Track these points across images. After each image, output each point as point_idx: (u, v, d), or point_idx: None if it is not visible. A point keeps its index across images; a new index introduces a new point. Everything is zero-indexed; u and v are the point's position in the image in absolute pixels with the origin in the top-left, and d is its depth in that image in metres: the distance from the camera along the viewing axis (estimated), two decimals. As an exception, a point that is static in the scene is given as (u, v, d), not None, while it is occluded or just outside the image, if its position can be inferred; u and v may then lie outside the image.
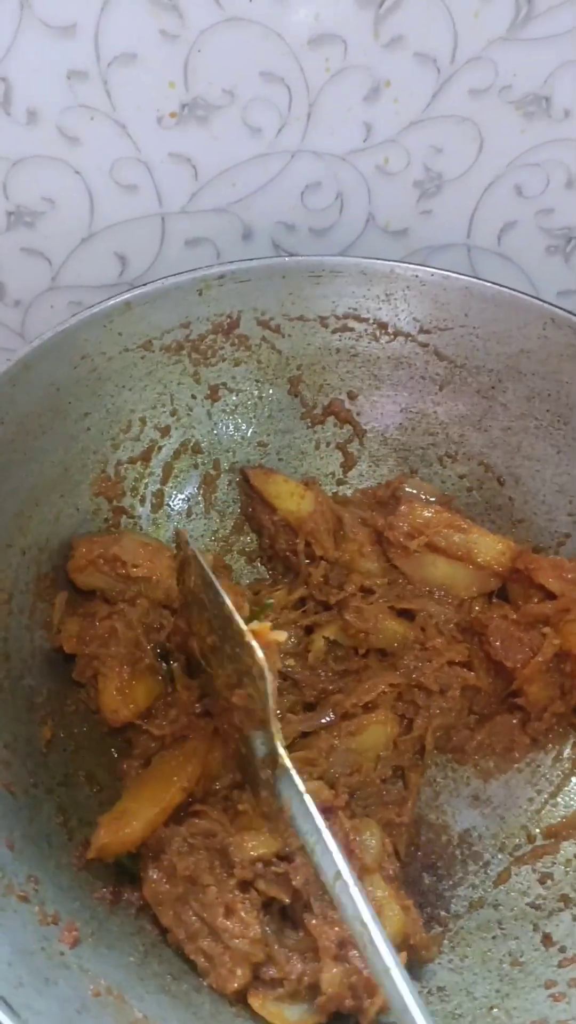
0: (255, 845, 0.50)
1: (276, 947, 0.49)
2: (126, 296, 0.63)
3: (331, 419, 0.73)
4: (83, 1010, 0.44)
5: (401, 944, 0.52)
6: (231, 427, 0.71)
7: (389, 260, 0.68)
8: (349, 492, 0.73)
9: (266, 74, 0.65)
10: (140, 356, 0.65)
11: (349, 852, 0.51)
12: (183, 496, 0.70)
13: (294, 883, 0.49)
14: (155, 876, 0.51)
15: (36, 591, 0.60)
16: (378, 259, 0.68)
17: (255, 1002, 0.49)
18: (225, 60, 0.64)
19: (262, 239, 0.74)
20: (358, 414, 0.72)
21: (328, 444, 0.73)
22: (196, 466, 0.70)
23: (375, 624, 0.65)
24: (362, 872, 0.52)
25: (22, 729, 0.56)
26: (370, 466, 0.73)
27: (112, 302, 0.62)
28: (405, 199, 0.74)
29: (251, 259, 0.66)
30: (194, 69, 0.64)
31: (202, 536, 0.71)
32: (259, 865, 0.50)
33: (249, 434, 0.71)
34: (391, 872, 0.54)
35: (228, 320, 0.67)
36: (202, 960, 0.50)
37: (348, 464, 0.73)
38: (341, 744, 0.59)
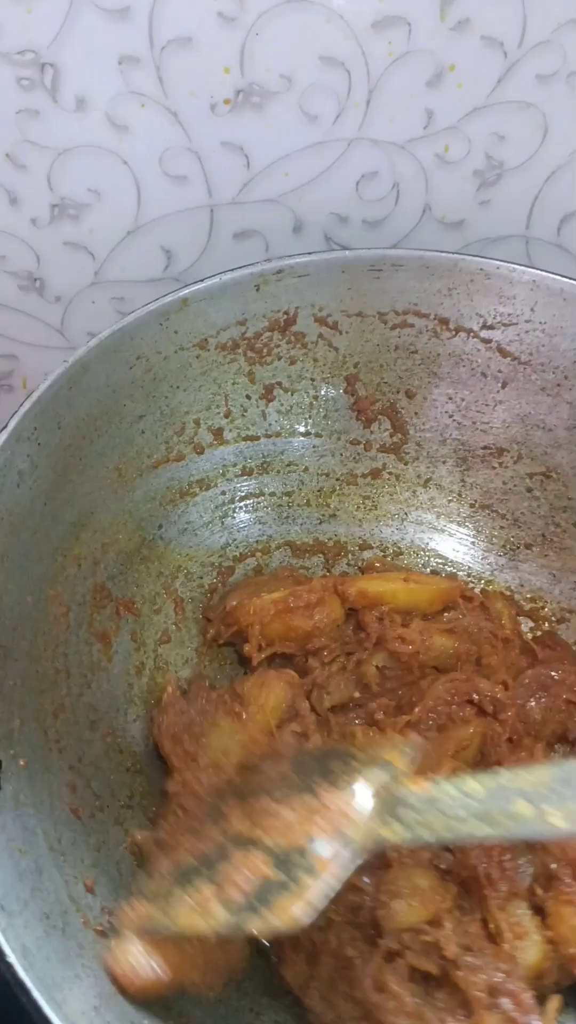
0: (406, 912, 0.47)
1: (428, 1013, 0.46)
2: (183, 293, 0.60)
3: (386, 419, 0.70)
4: None
5: None
6: (286, 428, 0.68)
7: (452, 253, 0.65)
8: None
9: (326, 58, 0.62)
10: (195, 355, 0.62)
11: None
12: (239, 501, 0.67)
13: (447, 953, 0.46)
14: (294, 957, 0.48)
15: (93, 603, 0.57)
16: (441, 252, 0.65)
17: None
18: (284, 44, 0.61)
19: (313, 231, 0.72)
20: (415, 414, 0.69)
21: (383, 445, 0.70)
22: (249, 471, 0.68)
23: (423, 642, 0.62)
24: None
25: (86, 749, 0.53)
26: (428, 466, 0.71)
27: (169, 299, 0.59)
28: (463, 189, 0.71)
29: (310, 253, 0.63)
30: (251, 53, 0.61)
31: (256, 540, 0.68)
32: (407, 935, 0.47)
33: (306, 434, 0.68)
34: None
35: (285, 317, 0.65)
36: None
37: (404, 464, 0.71)
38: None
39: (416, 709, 0.58)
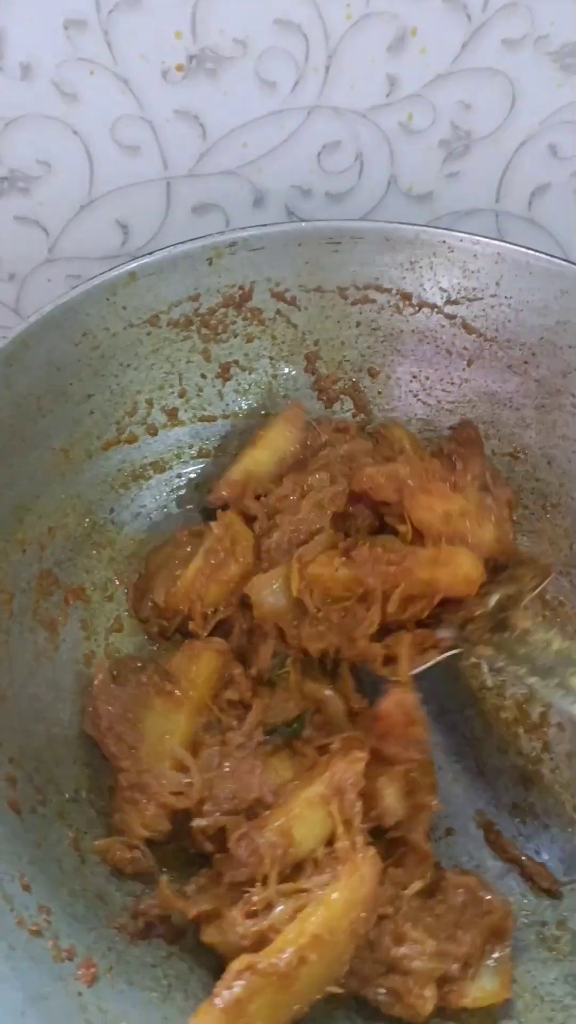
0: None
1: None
2: (130, 266, 0.57)
3: (349, 399, 0.68)
4: (103, 1058, 0.40)
5: None
6: (244, 407, 0.66)
7: (414, 224, 0.63)
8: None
9: (282, 22, 0.59)
10: (146, 332, 0.60)
11: None
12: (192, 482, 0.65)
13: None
14: None
15: (39, 589, 0.55)
16: (402, 223, 0.62)
17: (464, 1001, 0.48)
18: (237, 7, 0.58)
19: (275, 205, 0.69)
20: (379, 393, 0.67)
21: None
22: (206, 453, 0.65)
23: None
24: None
25: (28, 741, 0.51)
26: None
27: (115, 273, 0.57)
28: (430, 160, 0.68)
29: (264, 225, 0.61)
30: (203, 17, 0.59)
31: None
32: None
33: (262, 415, 0.66)
34: None
35: (240, 292, 0.62)
36: (383, 997, 0.48)
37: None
38: None
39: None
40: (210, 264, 0.60)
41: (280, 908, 0.46)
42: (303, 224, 0.62)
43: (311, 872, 0.47)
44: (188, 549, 0.61)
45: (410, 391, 0.68)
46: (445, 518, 0.57)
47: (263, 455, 0.61)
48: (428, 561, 0.55)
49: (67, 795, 0.52)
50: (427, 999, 0.48)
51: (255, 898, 0.46)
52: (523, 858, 0.57)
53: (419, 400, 0.68)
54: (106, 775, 0.54)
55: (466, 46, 0.62)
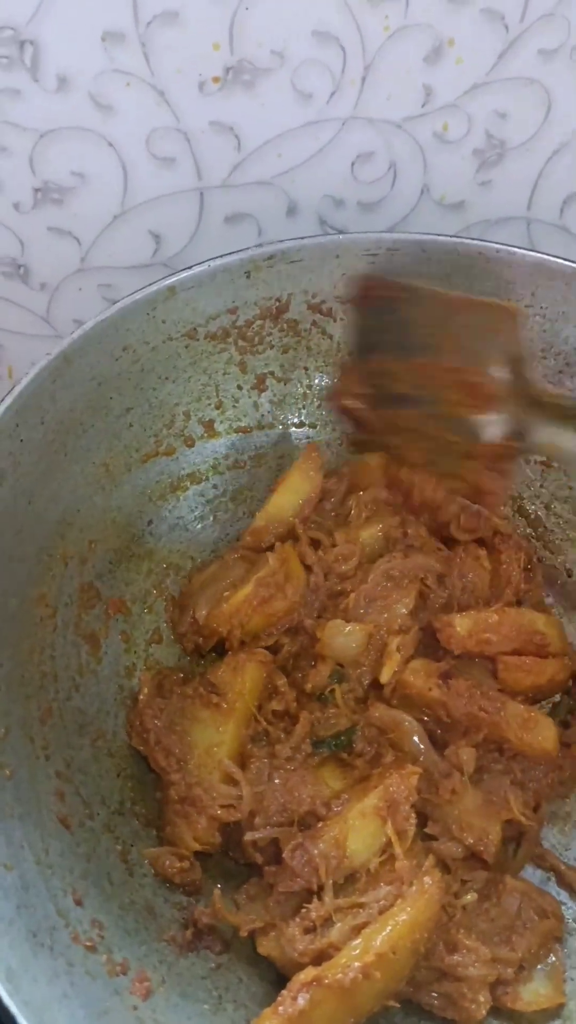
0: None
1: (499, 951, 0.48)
2: (170, 281, 0.58)
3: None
4: (162, 1072, 0.41)
5: None
6: (279, 418, 0.66)
7: (450, 236, 0.63)
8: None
9: (319, 34, 0.59)
10: (184, 345, 0.60)
11: None
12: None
13: None
14: None
15: (81, 603, 0.56)
16: (439, 236, 0.63)
17: (518, 1004, 0.49)
18: (275, 18, 0.58)
19: (308, 214, 0.69)
20: (415, 403, 0.67)
21: (383, 435, 0.68)
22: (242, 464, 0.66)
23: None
24: None
25: (74, 755, 0.52)
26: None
27: (155, 288, 0.57)
28: (463, 169, 0.68)
29: (302, 238, 0.61)
30: (241, 29, 0.59)
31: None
32: None
33: (300, 425, 0.66)
34: None
35: (277, 304, 0.63)
36: (437, 1001, 0.48)
37: (403, 456, 0.69)
38: None
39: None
40: (248, 277, 0.60)
41: (338, 924, 0.46)
42: (340, 236, 0.62)
43: (365, 885, 0.48)
44: (237, 572, 0.62)
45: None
46: (534, 688, 0.61)
47: (284, 499, 0.63)
48: (517, 721, 0.58)
49: (113, 808, 0.52)
50: (480, 1004, 0.48)
51: (313, 914, 0.47)
52: (562, 866, 0.58)
53: (453, 410, 0.68)
54: (151, 787, 0.54)
55: (502, 56, 0.62)
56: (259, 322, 0.63)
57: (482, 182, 0.69)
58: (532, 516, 0.68)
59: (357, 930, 0.46)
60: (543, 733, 0.58)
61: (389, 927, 0.46)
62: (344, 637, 0.60)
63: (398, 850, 0.49)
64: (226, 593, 0.60)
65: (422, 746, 0.57)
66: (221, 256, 0.59)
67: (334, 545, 0.64)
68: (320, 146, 0.65)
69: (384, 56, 0.61)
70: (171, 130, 0.63)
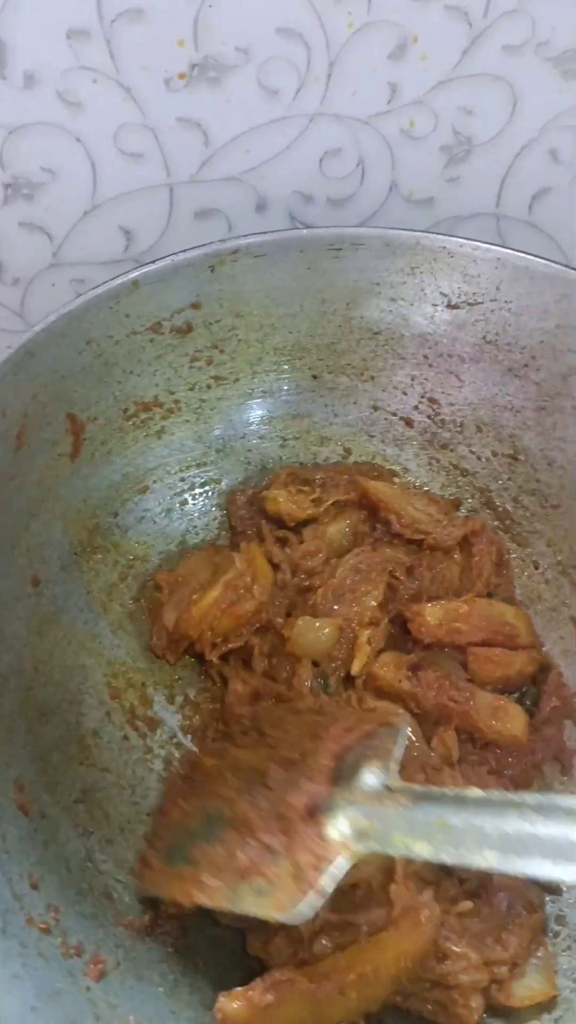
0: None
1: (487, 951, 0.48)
2: (133, 275, 0.58)
3: (352, 402, 0.68)
4: (112, 1053, 0.41)
5: None
6: (246, 412, 0.67)
7: (415, 231, 0.63)
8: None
9: (284, 30, 0.60)
10: (149, 339, 0.61)
11: None
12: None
13: None
14: None
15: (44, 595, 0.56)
16: (403, 229, 0.63)
17: (512, 1001, 0.49)
18: (239, 15, 0.59)
19: (277, 210, 0.70)
20: (382, 391, 0.68)
21: (350, 427, 0.69)
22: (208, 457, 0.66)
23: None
24: None
25: (36, 743, 0.52)
26: (395, 449, 0.69)
27: (119, 281, 0.58)
28: (431, 165, 0.69)
29: (266, 232, 0.62)
30: (206, 26, 0.59)
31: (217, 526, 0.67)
32: None
33: (264, 419, 0.67)
34: None
35: (243, 298, 0.63)
36: (429, 1007, 0.49)
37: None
38: None
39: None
40: (212, 271, 0.61)
41: (323, 940, 0.47)
42: (304, 231, 0.62)
43: (359, 902, 0.48)
44: (204, 575, 0.62)
45: (411, 393, 0.68)
46: (503, 680, 0.62)
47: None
48: (487, 710, 0.59)
49: (73, 796, 0.53)
50: (473, 1010, 0.48)
51: (301, 928, 0.48)
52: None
53: (423, 401, 0.68)
54: (109, 775, 0.55)
55: (467, 52, 0.63)
56: (225, 316, 0.63)
57: (450, 178, 0.70)
58: (500, 509, 0.68)
59: (342, 947, 0.47)
60: (513, 720, 0.59)
61: (377, 951, 0.46)
62: (314, 634, 0.60)
63: (399, 873, 0.49)
64: (194, 597, 0.61)
65: (413, 738, 0.58)
66: (185, 250, 0.60)
67: (301, 542, 0.64)
68: (288, 142, 0.66)
69: (349, 53, 0.61)
70: (139, 126, 0.64)
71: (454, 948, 0.49)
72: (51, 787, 0.52)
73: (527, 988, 0.50)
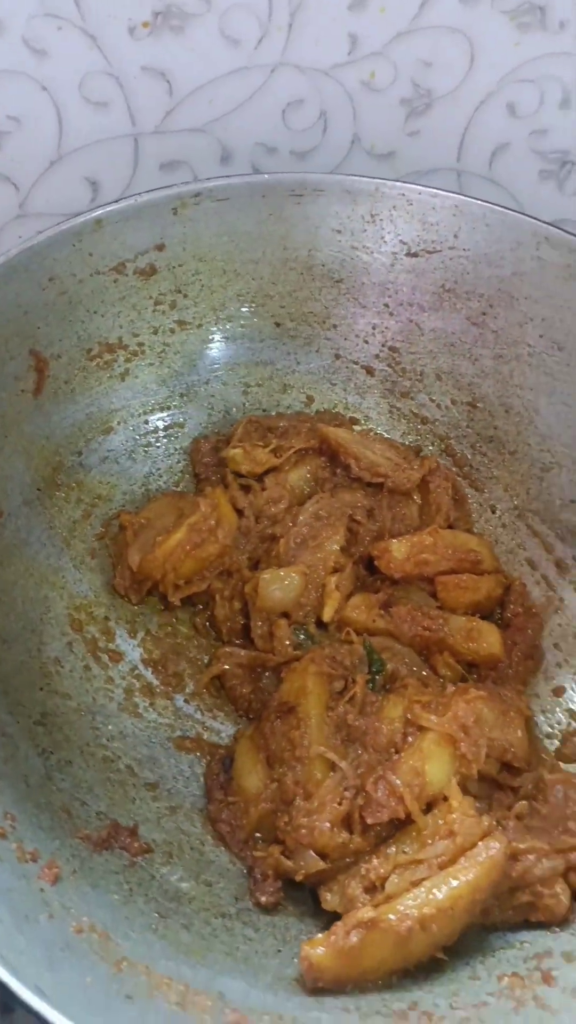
0: None
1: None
2: (96, 213, 0.59)
3: (314, 350, 0.70)
4: (66, 948, 0.42)
5: None
6: (210, 357, 0.68)
7: (374, 178, 0.65)
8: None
9: (244, -23, 0.61)
10: (112, 280, 0.62)
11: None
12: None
13: None
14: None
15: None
16: (363, 176, 0.65)
17: None
18: (200, -39, 0.60)
19: (241, 162, 0.71)
20: (341, 344, 0.69)
21: (312, 375, 0.70)
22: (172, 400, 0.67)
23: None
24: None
25: (-3, 667, 0.53)
26: (356, 397, 0.71)
27: (81, 219, 0.59)
28: (392, 118, 0.70)
29: (228, 176, 0.63)
30: (167, -28, 0.61)
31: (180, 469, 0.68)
32: None
33: (227, 366, 0.68)
34: None
35: (206, 242, 0.64)
36: (511, 913, 0.50)
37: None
38: None
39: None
40: (175, 214, 0.62)
41: (395, 878, 0.48)
42: (266, 176, 0.64)
43: (424, 839, 0.50)
44: (169, 518, 0.63)
45: (372, 341, 0.70)
46: (473, 605, 0.63)
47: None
48: (462, 633, 0.61)
49: (33, 718, 0.54)
50: (560, 896, 0.50)
51: (372, 874, 0.49)
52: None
53: (384, 349, 0.70)
54: (70, 702, 0.56)
55: (424, 4, 0.64)
56: (189, 260, 0.64)
57: (411, 132, 0.71)
58: (458, 456, 0.70)
59: (416, 884, 0.48)
60: (488, 639, 0.61)
61: (453, 882, 0.47)
62: (280, 585, 0.61)
63: (455, 802, 0.50)
64: (158, 539, 0.62)
65: (416, 668, 0.60)
66: (148, 191, 0.61)
67: (264, 489, 0.65)
68: (251, 92, 0.67)
69: (309, 3, 0.63)
70: (103, 74, 0.65)
71: (521, 846, 0.50)
72: (12, 708, 0.52)
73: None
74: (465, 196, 0.65)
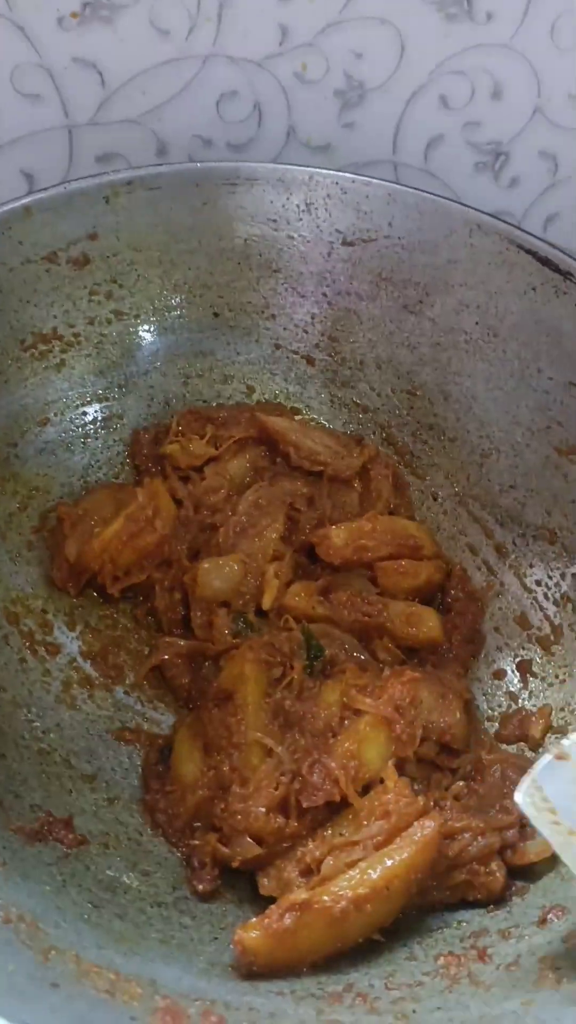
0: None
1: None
2: (25, 200, 0.59)
3: (254, 340, 0.70)
4: (-9, 938, 0.41)
5: None
6: (146, 347, 0.67)
7: (308, 167, 0.65)
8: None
9: (171, -33, 0.62)
10: (45, 269, 0.62)
11: None
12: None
13: None
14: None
15: None
16: (296, 165, 0.65)
17: (528, 858, 0.51)
18: (127, -49, 0.61)
19: (178, 154, 0.71)
20: (283, 330, 0.69)
21: (252, 365, 0.70)
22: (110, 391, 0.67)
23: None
24: None
25: None
26: (296, 387, 0.71)
27: (9, 207, 0.58)
28: (326, 110, 0.71)
29: (160, 164, 0.63)
30: (94, -39, 0.61)
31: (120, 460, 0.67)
32: None
33: (166, 357, 0.68)
34: None
35: (140, 231, 0.64)
36: (448, 893, 0.51)
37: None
38: None
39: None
40: (107, 203, 0.62)
41: (331, 861, 0.48)
42: (199, 165, 0.64)
43: (360, 821, 0.50)
44: (107, 509, 0.63)
45: (311, 332, 0.70)
46: (413, 590, 0.64)
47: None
48: (401, 618, 0.62)
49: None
50: (496, 873, 0.50)
51: (308, 858, 0.49)
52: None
53: (323, 338, 0.70)
54: (4, 694, 0.55)
55: (353, -5, 0.65)
56: (122, 249, 0.64)
57: (346, 124, 0.72)
58: (400, 444, 0.70)
59: (351, 865, 0.48)
60: (428, 623, 0.62)
61: (387, 862, 0.47)
62: (219, 573, 0.61)
63: (390, 783, 0.50)
64: (96, 530, 0.61)
65: (355, 653, 0.60)
66: (78, 179, 0.61)
67: (204, 479, 0.65)
68: (183, 83, 0.67)
69: (237, -8, 0.63)
70: (34, 66, 0.65)
71: (457, 825, 0.50)
72: None
73: (540, 843, 0.51)
74: (397, 184, 0.65)
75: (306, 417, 0.71)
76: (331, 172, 0.65)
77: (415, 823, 0.48)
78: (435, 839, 0.48)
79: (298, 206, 0.66)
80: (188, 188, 0.64)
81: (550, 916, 0.47)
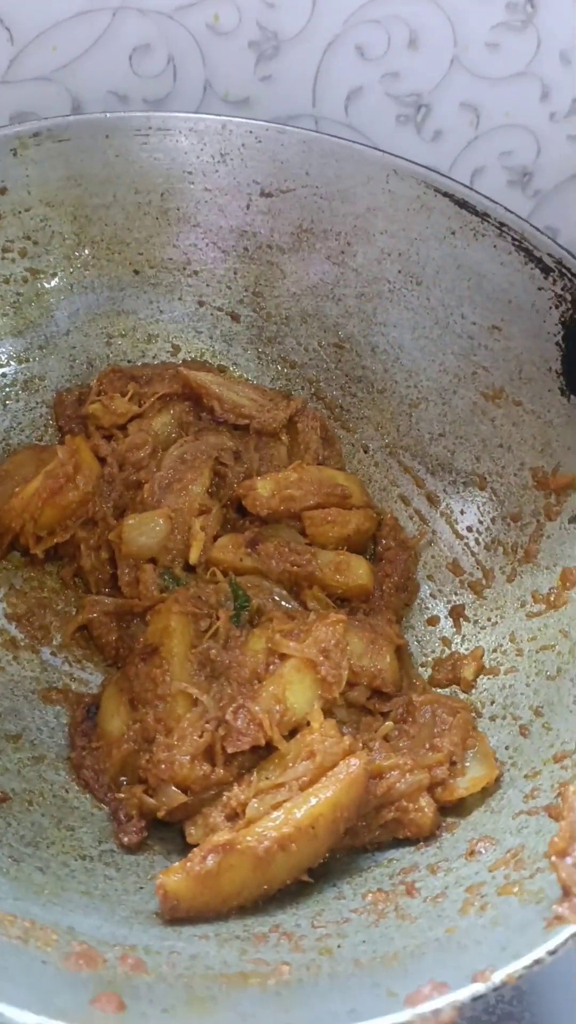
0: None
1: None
2: None
3: (176, 298, 0.69)
4: None
5: None
6: (65, 307, 0.66)
7: (220, 115, 0.64)
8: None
9: None
10: (-44, 225, 0.60)
11: None
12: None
13: None
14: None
15: None
16: (208, 114, 0.64)
17: (458, 794, 0.52)
18: None
19: (94, 111, 0.70)
20: (206, 286, 0.68)
21: (176, 323, 0.69)
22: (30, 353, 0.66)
23: None
24: None
25: None
26: (224, 345, 0.70)
27: None
28: (242, 63, 0.70)
29: (68, 115, 0.62)
30: None
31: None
32: None
33: (87, 316, 0.67)
34: None
35: (51, 186, 0.63)
36: (378, 833, 0.51)
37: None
38: None
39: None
40: (15, 155, 0.61)
41: (256, 804, 0.47)
42: (108, 115, 0.63)
43: (286, 764, 0.49)
44: (28, 469, 0.62)
45: (234, 288, 0.69)
46: (342, 539, 0.63)
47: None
48: (331, 567, 0.61)
49: None
50: (424, 809, 0.50)
51: (233, 802, 0.48)
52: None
53: (247, 294, 0.69)
54: None
55: None
56: (35, 205, 0.63)
57: (263, 77, 0.71)
58: (328, 398, 0.69)
59: (276, 806, 0.47)
60: (357, 571, 0.62)
61: (312, 801, 0.46)
62: (145, 529, 0.60)
63: (315, 723, 0.50)
64: (16, 489, 0.60)
65: (284, 603, 0.59)
66: (-18, 132, 0.60)
67: (127, 436, 0.64)
68: (95, 37, 0.66)
69: None
70: None
71: (385, 763, 0.50)
72: None
73: (470, 779, 0.51)
74: (313, 131, 0.65)
75: (233, 375, 0.70)
76: (245, 120, 0.64)
77: (341, 762, 0.48)
78: (361, 777, 0.47)
79: (213, 157, 0.65)
80: (99, 139, 0.62)
81: (479, 847, 0.47)
